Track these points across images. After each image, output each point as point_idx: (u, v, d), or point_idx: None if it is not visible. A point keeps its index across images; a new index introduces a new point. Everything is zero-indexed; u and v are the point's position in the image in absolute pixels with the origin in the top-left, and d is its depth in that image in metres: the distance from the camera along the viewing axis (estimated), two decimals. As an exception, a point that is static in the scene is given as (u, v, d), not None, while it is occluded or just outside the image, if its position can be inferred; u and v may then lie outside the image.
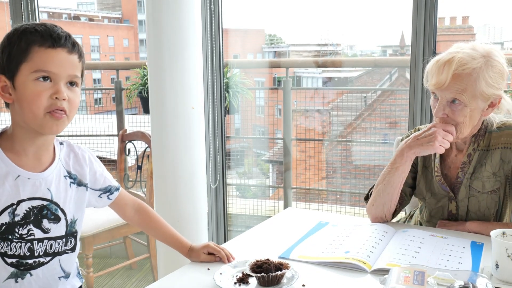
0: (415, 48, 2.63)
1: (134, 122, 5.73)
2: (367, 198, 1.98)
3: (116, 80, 5.02)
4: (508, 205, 1.85)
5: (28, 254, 1.37)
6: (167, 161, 2.76)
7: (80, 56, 1.37)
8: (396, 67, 6.54)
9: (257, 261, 1.44)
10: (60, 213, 1.41)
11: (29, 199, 1.35)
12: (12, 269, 1.36)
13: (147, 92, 3.09)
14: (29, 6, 3.38)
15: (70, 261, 1.48)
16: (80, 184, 1.47)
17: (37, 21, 3.41)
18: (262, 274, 1.39)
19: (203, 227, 2.87)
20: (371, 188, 1.99)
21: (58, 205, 1.40)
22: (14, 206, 1.33)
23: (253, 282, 1.42)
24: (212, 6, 3.08)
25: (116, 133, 4.92)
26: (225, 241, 3.15)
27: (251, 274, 1.41)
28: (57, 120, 1.31)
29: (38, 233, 1.37)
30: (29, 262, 1.37)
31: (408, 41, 2.71)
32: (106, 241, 3.43)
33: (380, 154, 5.33)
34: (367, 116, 6.02)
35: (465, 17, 7.26)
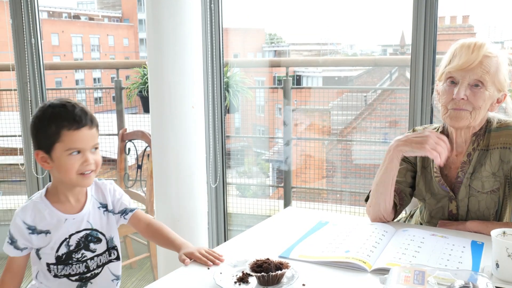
0: (416, 47, 2.62)
1: (134, 121, 5.73)
2: (367, 199, 1.98)
3: (116, 79, 5.02)
4: (508, 205, 1.85)
5: (85, 270, 1.76)
6: (167, 160, 2.76)
7: (97, 127, 1.71)
8: (396, 66, 6.54)
9: (257, 260, 1.44)
10: (100, 235, 1.78)
11: (77, 232, 1.74)
12: (76, 283, 1.76)
13: (147, 91, 3.09)
14: (29, 5, 3.37)
15: (118, 267, 1.85)
16: (109, 211, 1.82)
17: (37, 20, 3.41)
18: (262, 273, 1.39)
19: (203, 226, 2.87)
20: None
21: (97, 230, 1.78)
22: (67, 240, 1.72)
23: (253, 281, 1.42)
24: (212, 5, 3.08)
25: (116, 132, 4.92)
26: (225, 240, 3.14)
27: (251, 273, 1.41)
28: (87, 178, 1.69)
29: (89, 254, 1.76)
30: (88, 276, 1.77)
31: (409, 40, 2.70)
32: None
33: (380, 154, 5.33)
34: (367, 115, 6.02)
35: (466, 16, 7.27)
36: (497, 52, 1.76)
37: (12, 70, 3.56)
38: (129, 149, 3.69)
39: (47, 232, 1.70)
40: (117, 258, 1.84)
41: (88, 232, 1.75)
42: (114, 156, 4.20)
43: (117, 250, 1.83)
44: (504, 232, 1.50)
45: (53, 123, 1.63)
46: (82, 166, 1.65)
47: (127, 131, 3.65)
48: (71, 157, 1.64)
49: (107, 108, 6.38)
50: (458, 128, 1.83)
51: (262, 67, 6.96)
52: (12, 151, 5.49)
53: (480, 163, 1.82)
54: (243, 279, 1.43)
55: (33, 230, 1.69)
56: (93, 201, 1.79)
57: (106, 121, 5.26)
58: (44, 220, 1.70)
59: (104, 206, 1.81)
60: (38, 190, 3.63)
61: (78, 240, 1.73)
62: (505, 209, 1.84)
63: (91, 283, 1.78)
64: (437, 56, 2.62)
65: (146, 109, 4.16)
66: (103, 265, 1.80)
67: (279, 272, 1.39)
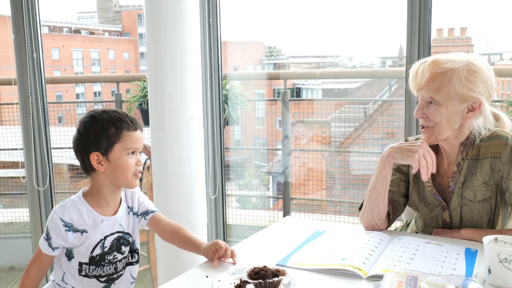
0: (410, 60, 2.66)
1: (135, 134, 5.74)
2: (361, 208, 2.02)
3: (116, 92, 5.06)
4: (500, 213, 1.87)
5: (114, 271, 1.87)
6: (167, 173, 2.79)
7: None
8: (395, 78, 6.57)
9: (255, 268, 1.47)
10: (129, 238, 1.90)
11: (111, 234, 1.83)
12: (103, 284, 1.86)
13: (147, 105, 3.12)
14: (31, 20, 3.42)
15: (135, 270, 1.96)
16: (134, 213, 1.92)
17: (38, 35, 3.46)
18: (259, 280, 1.41)
19: (202, 238, 2.89)
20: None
21: (128, 233, 1.89)
22: (103, 241, 1.82)
23: (250, 288, 1.45)
24: (211, 19, 3.13)
25: (116, 145, 4.94)
26: (225, 251, 3.15)
27: (249, 280, 1.44)
28: (138, 179, 1.83)
29: (119, 256, 1.87)
30: (114, 276, 1.88)
31: (406, 52, 2.74)
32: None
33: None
34: (367, 127, 6.05)
35: (463, 28, 7.31)
36: (451, 65, 1.77)
37: (14, 84, 3.60)
38: (129, 161, 3.71)
39: (83, 231, 1.78)
40: (137, 262, 1.95)
41: (120, 234, 1.86)
42: (115, 168, 4.22)
43: (137, 253, 1.94)
44: (496, 239, 1.53)
45: (112, 125, 1.76)
46: (136, 166, 1.81)
47: (128, 143, 3.68)
48: (129, 156, 1.78)
49: (108, 121, 6.40)
50: (431, 144, 1.89)
51: (261, 80, 7.00)
52: (13, 165, 5.52)
53: (471, 172, 1.85)
54: (240, 286, 1.46)
55: (69, 227, 1.77)
56: (124, 206, 1.90)
57: (107, 134, 5.28)
58: (82, 219, 1.78)
59: (131, 209, 1.91)
60: (40, 202, 3.68)
61: (112, 242, 1.83)
62: (498, 217, 1.87)
63: (114, 284, 1.88)
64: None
65: (146, 122, 4.20)
66: (126, 266, 1.91)
67: (276, 279, 1.42)
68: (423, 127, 1.86)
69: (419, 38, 2.64)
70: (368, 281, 1.51)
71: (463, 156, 1.86)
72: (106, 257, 1.83)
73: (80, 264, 1.81)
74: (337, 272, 1.57)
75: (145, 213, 1.93)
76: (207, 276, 1.58)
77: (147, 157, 3.44)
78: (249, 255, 1.78)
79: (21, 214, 4.74)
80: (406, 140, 2.03)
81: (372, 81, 7.65)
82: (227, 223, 3.46)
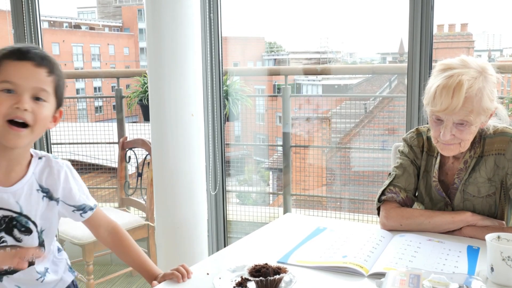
0: (412, 56, 2.65)
1: (135, 130, 5.76)
2: (379, 201, 1.96)
3: (116, 88, 5.04)
4: (504, 211, 1.87)
5: None
6: (167, 168, 2.78)
7: (51, 72, 1.42)
8: (395, 74, 6.56)
9: (256, 265, 1.46)
10: (31, 225, 1.46)
11: (0, 209, 1.42)
12: None
13: (148, 100, 3.11)
14: (31, 15, 3.41)
15: (42, 263, 1.53)
16: (51, 198, 1.51)
17: (38, 30, 3.44)
18: (261, 278, 1.40)
19: (203, 234, 2.88)
20: (383, 191, 1.96)
21: (28, 218, 1.45)
22: None
23: (251, 286, 1.44)
24: (212, 14, 3.11)
25: (116, 140, 4.95)
26: (224, 247, 3.15)
27: (250, 278, 1.43)
28: (17, 132, 1.36)
29: (10, 240, 1.44)
30: (5, 268, 1.43)
31: (407, 48, 2.73)
32: (107, 248, 3.44)
33: (380, 161, 5.36)
34: (367, 123, 6.04)
35: (464, 24, 7.30)
36: (478, 84, 1.71)
37: (14, 80, 3.58)
38: (129, 157, 3.71)
39: None
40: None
41: (14, 215, 1.43)
42: (115, 164, 4.23)
43: (44, 246, 1.52)
44: (498, 237, 1.52)
45: None
46: (12, 108, 1.34)
47: (128, 139, 3.68)
48: (2, 94, 1.34)
49: (108, 117, 6.41)
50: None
51: (261, 76, 7.00)
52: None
53: (474, 169, 1.85)
54: (241, 284, 1.45)
55: None
56: (32, 181, 1.47)
57: (107, 130, 5.29)
58: None
59: (45, 191, 1.49)
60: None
61: None
62: (501, 214, 1.87)
63: (8, 277, 1.47)
64: (433, 64, 2.65)
65: (147, 118, 4.19)
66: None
67: (277, 276, 1.41)
68: (445, 144, 1.79)
69: (421, 34, 2.62)
70: (370, 279, 1.50)
71: (471, 154, 1.85)
72: None
73: None
74: (339, 270, 1.56)
75: (81, 208, 1.56)
76: (207, 274, 1.57)
77: (147, 152, 3.43)
78: (250, 252, 1.77)
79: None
80: (417, 130, 2.00)
81: (372, 77, 7.64)
82: (227, 219, 3.45)
